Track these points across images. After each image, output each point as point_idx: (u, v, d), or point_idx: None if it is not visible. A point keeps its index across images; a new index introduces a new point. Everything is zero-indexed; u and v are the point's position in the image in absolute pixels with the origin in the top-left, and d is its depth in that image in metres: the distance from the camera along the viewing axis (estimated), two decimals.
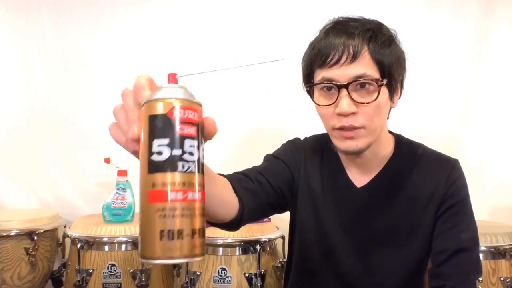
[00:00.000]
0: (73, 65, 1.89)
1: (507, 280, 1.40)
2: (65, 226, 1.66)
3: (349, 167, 1.07)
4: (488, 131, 1.78)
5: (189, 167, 0.50)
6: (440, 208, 0.99)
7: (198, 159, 0.52)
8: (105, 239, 1.51)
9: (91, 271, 1.48)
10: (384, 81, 0.91)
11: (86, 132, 1.88)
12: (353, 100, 0.90)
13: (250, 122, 1.84)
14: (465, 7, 1.78)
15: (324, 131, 1.02)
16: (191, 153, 0.51)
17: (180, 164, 0.50)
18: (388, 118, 1.02)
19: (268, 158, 1.11)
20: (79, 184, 1.89)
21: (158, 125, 0.50)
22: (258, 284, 1.43)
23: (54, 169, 1.89)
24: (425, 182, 1.01)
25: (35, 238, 1.54)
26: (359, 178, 1.06)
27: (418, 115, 1.77)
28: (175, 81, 0.55)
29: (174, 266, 1.65)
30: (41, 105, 1.89)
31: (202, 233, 0.51)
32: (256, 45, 1.81)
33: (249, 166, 1.07)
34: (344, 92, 0.89)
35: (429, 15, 1.79)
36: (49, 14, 1.88)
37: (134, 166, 1.68)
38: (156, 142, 0.50)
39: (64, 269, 1.63)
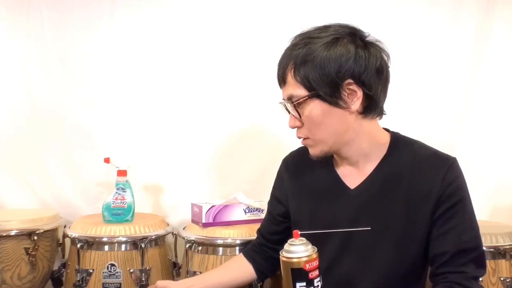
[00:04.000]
0: (73, 65, 1.89)
1: (507, 280, 1.40)
2: (65, 226, 1.66)
3: (341, 168, 1.08)
4: (489, 131, 1.78)
5: None
6: (437, 210, 0.98)
7: (320, 285, 0.85)
8: (105, 239, 1.51)
9: (91, 271, 1.48)
10: (307, 97, 0.97)
11: (86, 132, 1.88)
12: (293, 115, 1.01)
13: (251, 121, 1.84)
14: (465, 7, 1.78)
15: None
16: (317, 286, 0.84)
17: None
18: (351, 126, 1.00)
19: (267, 206, 1.29)
20: (79, 184, 1.89)
21: (297, 274, 0.83)
22: (258, 284, 1.43)
23: (54, 169, 1.89)
24: (420, 181, 1.00)
25: (35, 238, 1.54)
26: (352, 179, 1.06)
27: (418, 114, 1.77)
28: (298, 236, 0.85)
29: (174, 266, 1.65)
30: (41, 105, 1.89)
31: None
32: (256, 45, 1.82)
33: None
34: (288, 108, 1.01)
35: (429, 15, 1.79)
36: (49, 14, 1.88)
37: (134, 166, 1.68)
38: (298, 284, 0.83)
39: (64, 269, 1.63)
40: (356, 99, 0.98)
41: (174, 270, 1.64)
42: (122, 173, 1.64)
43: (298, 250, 0.84)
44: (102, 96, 1.88)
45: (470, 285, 0.95)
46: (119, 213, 1.62)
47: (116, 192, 1.63)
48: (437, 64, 1.78)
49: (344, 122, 1.00)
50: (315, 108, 0.98)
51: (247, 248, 1.31)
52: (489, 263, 1.40)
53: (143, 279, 1.49)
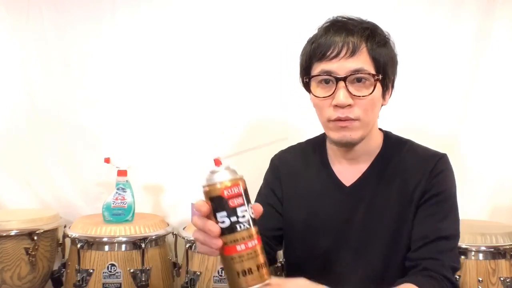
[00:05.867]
0: (73, 65, 1.89)
1: (507, 280, 1.40)
2: (65, 226, 1.67)
3: (337, 164, 1.08)
4: (489, 130, 1.78)
5: (244, 226, 0.71)
6: (421, 198, 1.00)
7: (250, 218, 0.72)
8: (105, 239, 1.51)
9: (91, 271, 1.48)
10: (380, 77, 0.96)
11: (86, 132, 1.88)
12: (349, 92, 0.94)
13: (251, 120, 1.84)
14: (465, 7, 1.78)
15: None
16: (243, 216, 0.71)
17: (237, 226, 0.71)
18: (378, 117, 1.05)
19: (257, 199, 1.16)
20: (79, 184, 1.89)
21: (217, 203, 0.72)
22: None
23: (54, 169, 1.89)
24: (411, 176, 1.02)
25: (35, 238, 1.54)
26: (347, 175, 1.06)
27: (418, 114, 1.77)
28: (220, 163, 0.75)
29: (174, 266, 1.65)
30: (41, 105, 1.89)
31: (265, 264, 0.73)
32: (256, 44, 1.82)
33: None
34: (341, 84, 0.94)
35: (429, 15, 1.79)
36: (49, 14, 1.88)
37: (134, 166, 1.68)
38: (218, 215, 0.71)
39: (64, 269, 1.64)
40: (388, 96, 1.03)
41: (174, 270, 1.64)
42: (122, 173, 1.64)
43: (217, 177, 0.73)
44: (102, 96, 1.88)
45: (448, 275, 0.94)
46: (119, 213, 1.62)
47: (116, 192, 1.63)
48: (437, 64, 1.78)
49: (379, 112, 1.03)
50: (378, 89, 0.97)
51: None
52: (489, 263, 1.41)
53: (143, 279, 1.49)
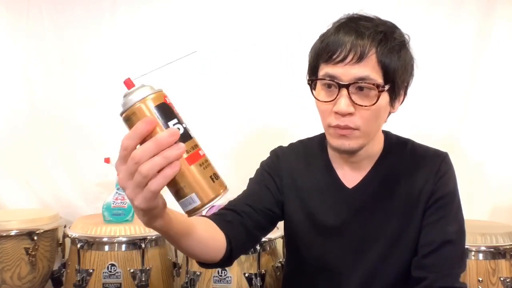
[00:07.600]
0: (73, 65, 1.89)
1: (507, 280, 1.40)
2: (65, 226, 1.67)
3: (339, 166, 1.07)
4: (489, 131, 1.78)
5: (191, 132, 0.65)
6: (429, 201, 1.00)
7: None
8: (105, 239, 1.51)
9: (91, 271, 1.48)
10: (386, 87, 0.91)
11: (86, 132, 1.88)
12: (352, 101, 0.90)
13: (253, 120, 1.84)
14: (465, 7, 1.78)
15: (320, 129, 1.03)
16: (186, 124, 0.66)
17: (190, 132, 0.64)
18: (385, 121, 1.02)
19: (250, 182, 1.12)
20: (79, 184, 1.90)
21: (164, 111, 0.65)
22: (258, 284, 1.43)
23: (54, 169, 1.90)
24: (415, 177, 1.02)
25: (35, 238, 1.54)
26: (350, 178, 1.06)
27: (418, 114, 1.77)
28: (131, 84, 0.68)
29: (174, 266, 1.64)
30: (41, 105, 1.89)
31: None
32: (257, 45, 1.81)
33: (251, 164, 1.14)
34: (344, 91, 0.90)
35: (429, 15, 1.79)
36: (49, 14, 1.88)
37: None
38: (171, 123, 0.63)
39: (64, 269, 1.64)
40: (398, 104, 0.99)
41: (174, 270, 1.64)
42: None
43: (145, 90, 0.66)
44: (102, 96, 1.88)
45: (456, 285, 0.95)
46: (119, 213, 1.62)
47: (116, 192, 1.63)
48: (437, 64, 1.78)
49: (384, 120, 0.99)
50: (384, 99, 0.92)
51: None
52: (489, 263, 1.41)
53: (143, 279, 1.49)
